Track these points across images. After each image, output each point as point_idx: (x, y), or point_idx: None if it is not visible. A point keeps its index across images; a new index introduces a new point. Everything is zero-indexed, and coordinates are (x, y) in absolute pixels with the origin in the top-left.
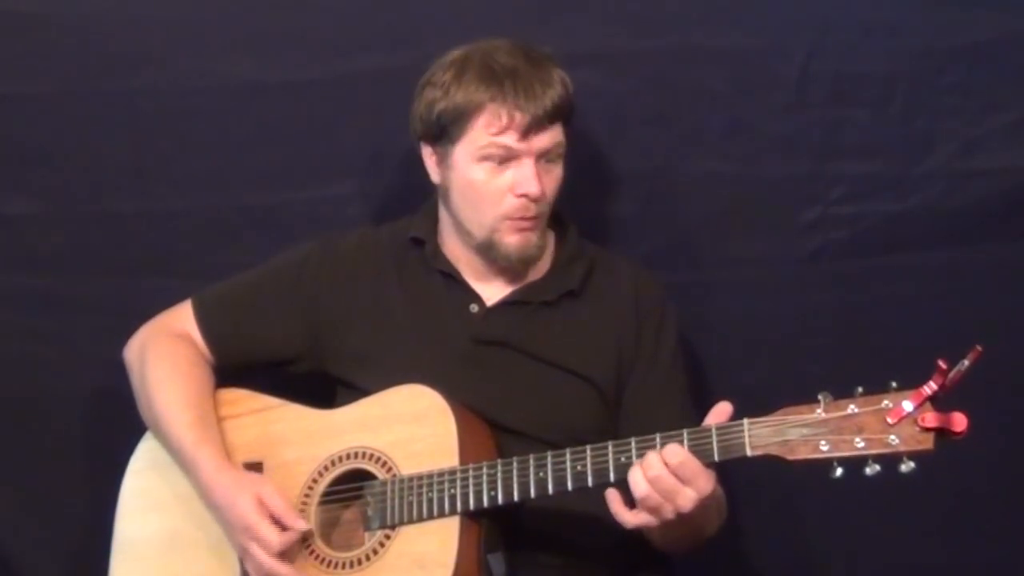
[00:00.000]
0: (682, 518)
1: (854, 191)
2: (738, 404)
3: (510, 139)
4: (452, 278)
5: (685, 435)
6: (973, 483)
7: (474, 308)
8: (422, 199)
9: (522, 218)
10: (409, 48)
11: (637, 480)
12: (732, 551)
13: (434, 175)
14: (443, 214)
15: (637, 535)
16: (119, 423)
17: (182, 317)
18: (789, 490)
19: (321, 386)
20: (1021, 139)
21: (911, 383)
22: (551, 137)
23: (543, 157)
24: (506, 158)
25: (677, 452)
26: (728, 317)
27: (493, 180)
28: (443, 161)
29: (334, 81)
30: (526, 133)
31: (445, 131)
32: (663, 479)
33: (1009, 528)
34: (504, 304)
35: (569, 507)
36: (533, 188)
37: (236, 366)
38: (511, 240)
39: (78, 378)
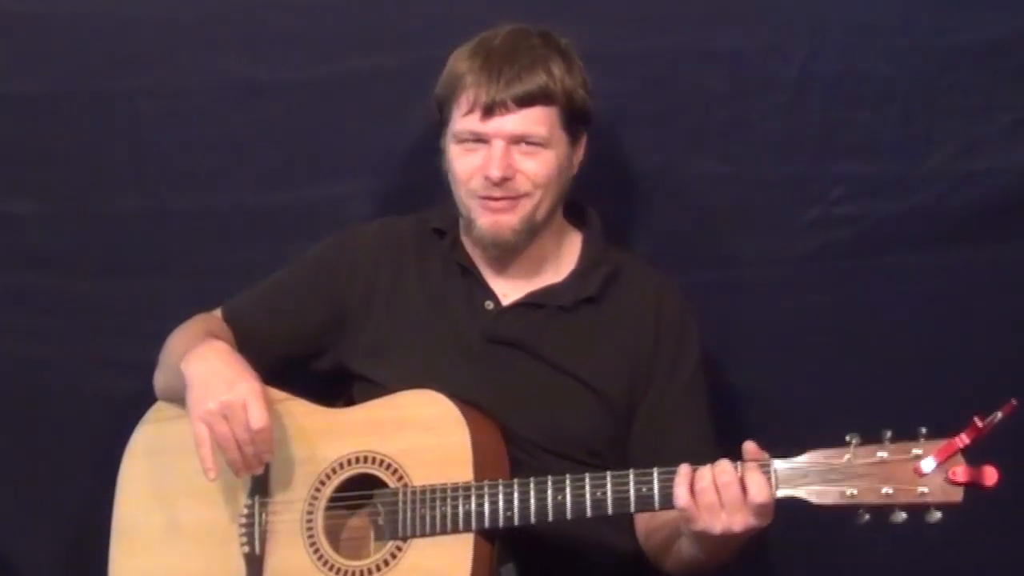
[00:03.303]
0: (703, 538)
1: (854, 191)
2: (737, 404)
3: (474, 120)
4: (470, 273)
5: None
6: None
7: (489, 305)
8: (423, 199)
9: (487, 197)
10: (409, 48)
11: (680, 494)
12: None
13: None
14: None
15: (640, 555)
16: (119, 423)
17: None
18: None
19: (328, 382)
20: (1021, 139)
21: (918, 389)
22: (521, 121)
23: (520, 141)
24: (477, 140)
25: (727, 470)
26: (728, 317)
27: (465, 157)
28: (443, 144)
29: (334, 81)
30: (488, 113)
31: (442, 114)
32: (708, 492)
33: (1010, 529)
34: (519, 305)
35: (575, 524)
36: (492, 171)
37: (269, 364)
38: (483, 221)
39: (78, 378)
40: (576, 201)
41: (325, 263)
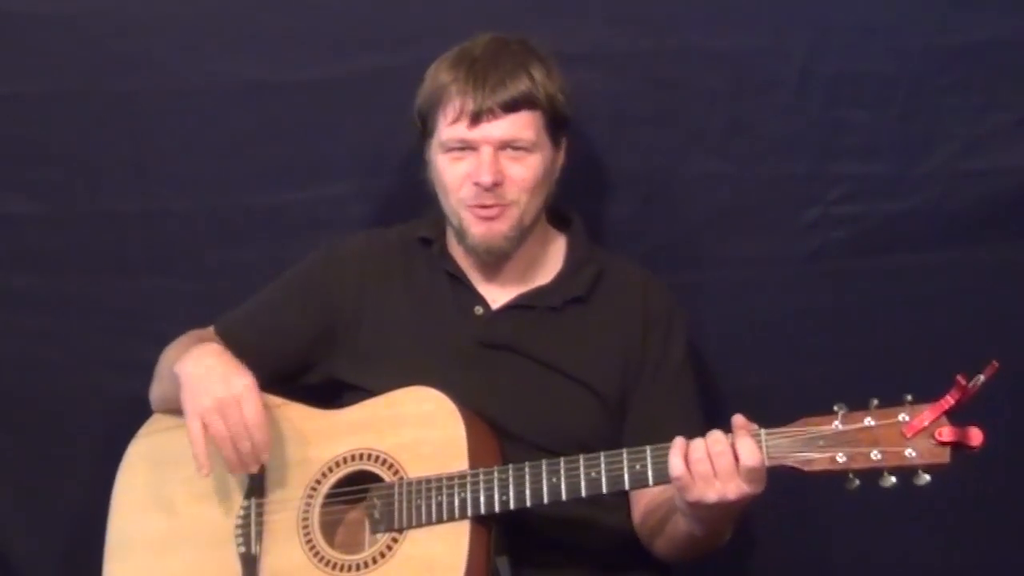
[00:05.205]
0: (696, 509)
1: (854, 191)
2: (738, 404)
3: (462, 128)
4: (458, 279)
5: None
6: (974, 483)
7: (479, 310)
8: (422, 199)
9: (479, 205)
10: (409, 48)
11: (675, 463)
12: (729, 551)
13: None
14: None
15: (633, 537)
16: (119, 423)
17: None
18: (788, 490)
19: (322, 387)
20: (1021, 139)
21: (919, 390)
22: (509, 127)
23: (507, 147)
24: (464, 147)
25: (719, 440)
26: (728, 317)
27: (453, 167)
28: (428, 156)
29: (334, 81)
30: (476, 121)
31: (425, 125)
32: (702, 462)
33: (1011, 530)
34: (509, 308)
35: (567, 509)
36: (483, 177)
37: (262, 380)
38: (475, 230)
39: (78, 378)
40: (558, 205)
41: (312, 278)
